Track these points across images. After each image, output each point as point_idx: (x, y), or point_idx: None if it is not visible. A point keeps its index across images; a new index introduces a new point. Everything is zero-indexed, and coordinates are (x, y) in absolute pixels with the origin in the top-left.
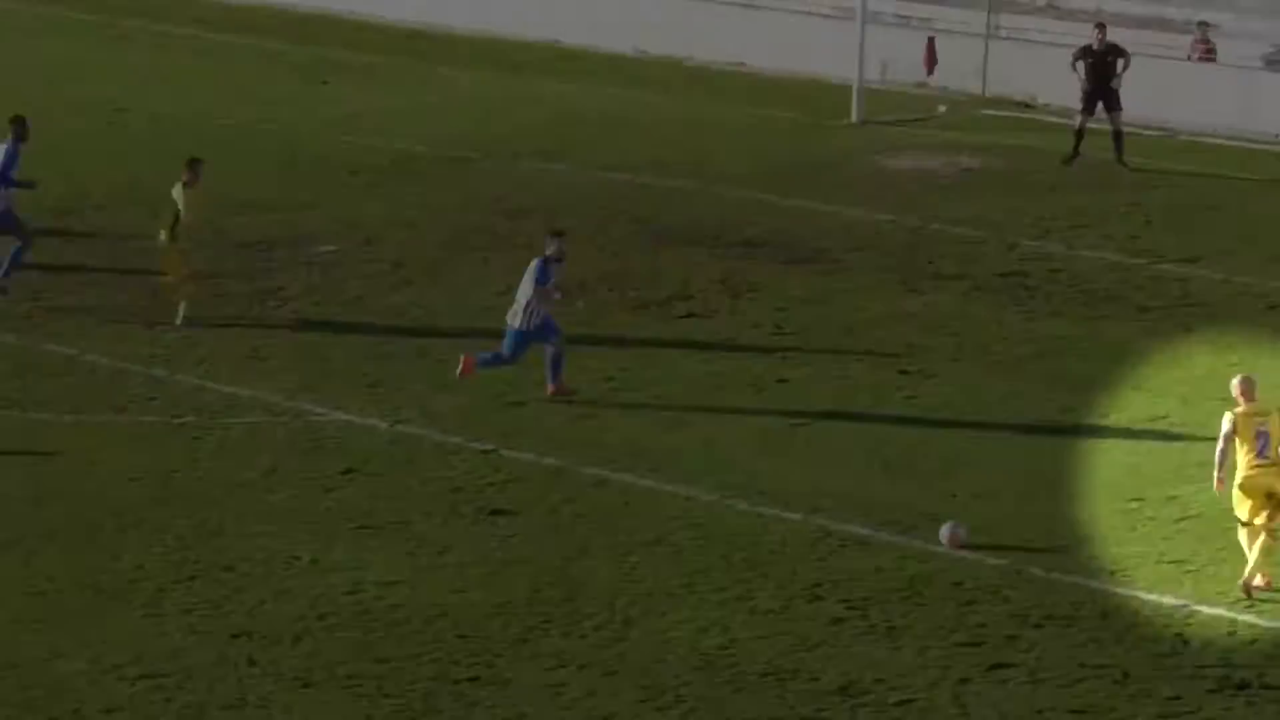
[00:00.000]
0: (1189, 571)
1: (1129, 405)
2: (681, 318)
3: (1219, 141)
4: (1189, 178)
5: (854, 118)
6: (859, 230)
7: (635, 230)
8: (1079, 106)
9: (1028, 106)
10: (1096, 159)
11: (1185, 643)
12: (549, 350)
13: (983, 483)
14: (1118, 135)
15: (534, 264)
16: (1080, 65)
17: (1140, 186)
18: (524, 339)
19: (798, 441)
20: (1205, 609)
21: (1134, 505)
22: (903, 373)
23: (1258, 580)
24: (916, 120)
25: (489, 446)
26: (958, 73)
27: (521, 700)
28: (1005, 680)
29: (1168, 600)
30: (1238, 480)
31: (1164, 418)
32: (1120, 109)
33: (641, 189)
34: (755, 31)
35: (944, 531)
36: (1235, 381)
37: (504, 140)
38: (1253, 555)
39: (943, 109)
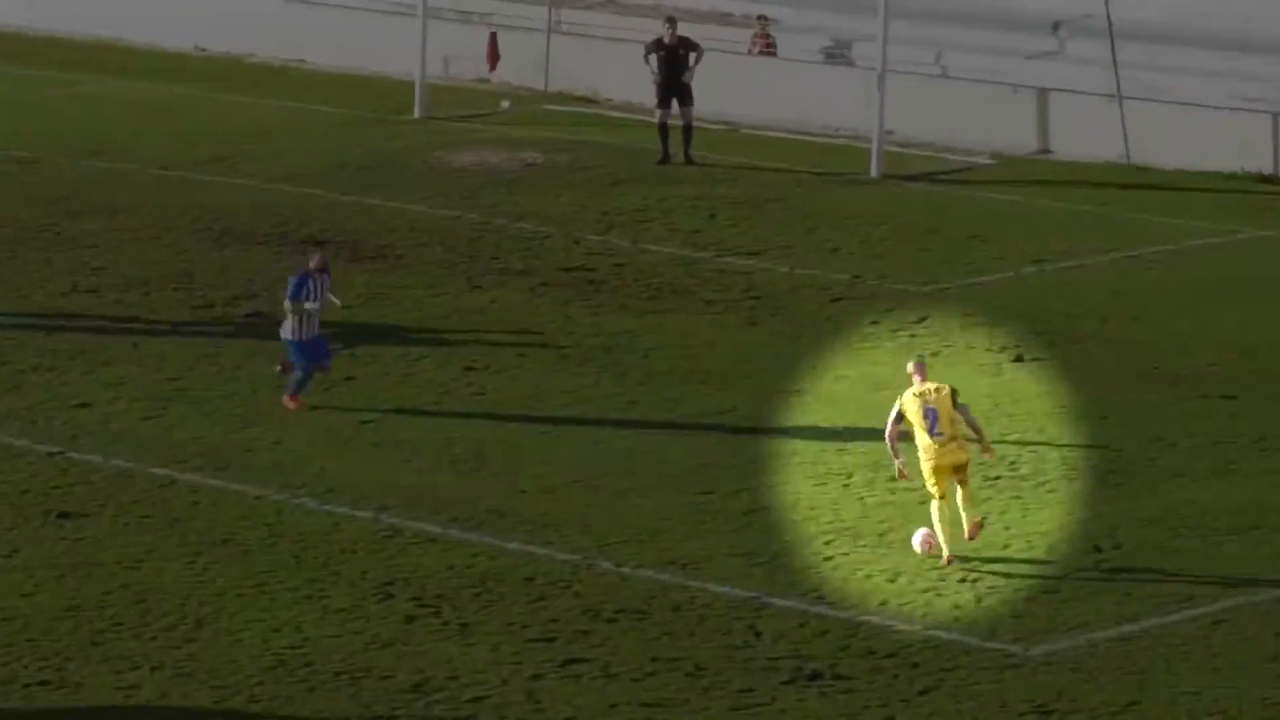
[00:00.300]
0: (759, 564)
1: (696, 398)
2: (248, 316)
3: (780, 135)
4: (752, 171)
5: (416, 113)
6: (423, 226)
7: (200, 229)
8: (646, 102)
9: (590, 101)
10: (658, 152)
11: (757, 635)
12: (301, 367)
13: (552, 478)
14: (688, 130)
15: (292, 279)
16: (652, 59)
17: (704, 181)
18: (301, 347)
19: (366, 439)
20: (777, 601)
21: (703, 498)
22: (469, 369)
23: (967, 532)
24: (479, 116)
25: (55, 449)
26: (520, 68)
27: (93, 703)
28: (579, 675)
29: (739, 593)
30: (929, 463)
31: (731, 410)
32: (692, 104)
33: (205, 187)
34: (317, 28)
35: (916, 539)
36: (910, 364)
37: (61, 139)
38: (943, 526)
39: (506, 104)
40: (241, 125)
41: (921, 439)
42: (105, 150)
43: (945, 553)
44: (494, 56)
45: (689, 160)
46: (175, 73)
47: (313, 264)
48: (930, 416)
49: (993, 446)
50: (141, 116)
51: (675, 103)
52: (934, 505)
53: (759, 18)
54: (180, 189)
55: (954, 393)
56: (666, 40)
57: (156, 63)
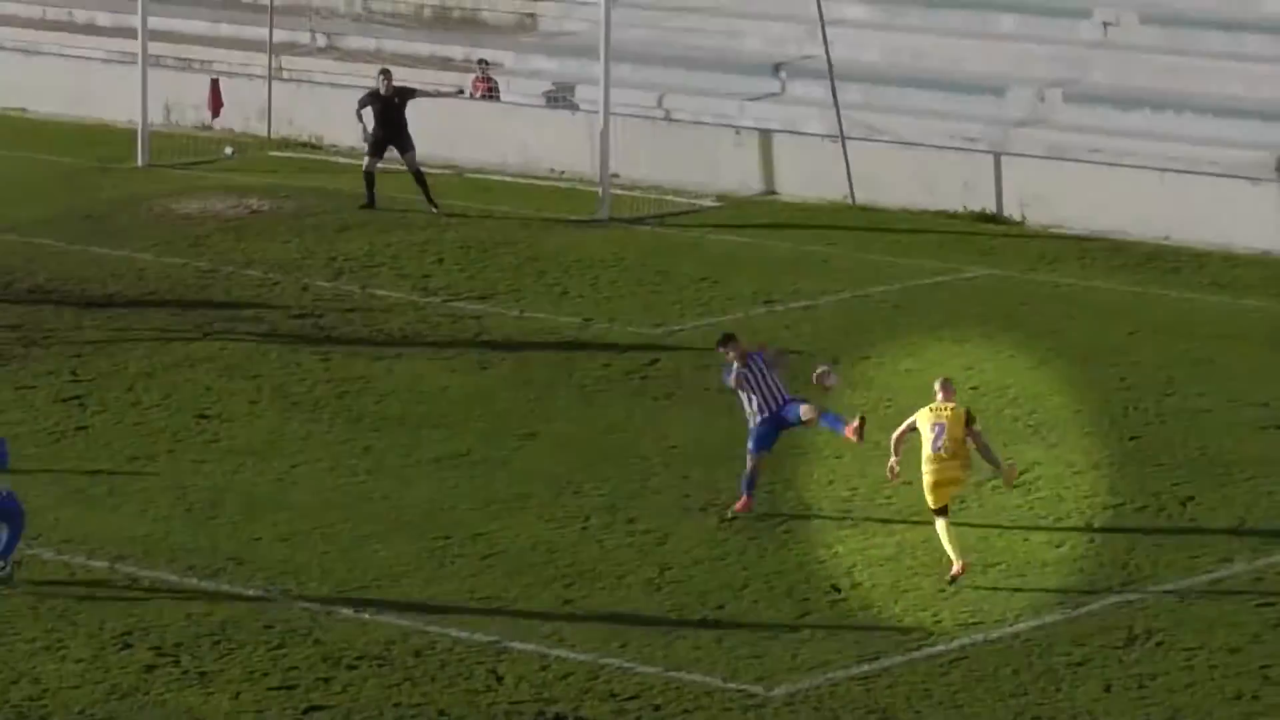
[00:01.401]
0: (499, 608)
1: (431, 443)
2: None
3: (505, 179)
4: (478, 216)
5: (139, 161)
6: (151, 274)
7: None
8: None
9: (314, 148)
10: (389, 199)
11: (499, 679)
12: None
13: (288, 525)
14: (419, 177)
15: None
16: (366, 113)
17: (431, 225)
18: None
19: (100, 489)
20: (518, 645)
21: (441, 543)
22: (202, 416)
23: (955, 568)
24: (203, 163)
25: None
26: (243, 115)
27: None
28: None
29: (480, 637)
30: (928, 478)
31: (466, 454)
32: (413, 149)
33: None
34: (36, 76)
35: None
36: (937, 382)
37: None
38: (950, 540)
39: (229, 151)
40: None
41: (925, 451)
42: None
43: (956, 565)
44: (216, 103)
45: (433, 205)
46: None
47: None
48: (937, 431)
49: (1015, 470)
50: None
51: (394, 150)
52: (937, 523)
53: (479, 61)
54: None
55: (969, 415)
56: (382, 91)
57: None
